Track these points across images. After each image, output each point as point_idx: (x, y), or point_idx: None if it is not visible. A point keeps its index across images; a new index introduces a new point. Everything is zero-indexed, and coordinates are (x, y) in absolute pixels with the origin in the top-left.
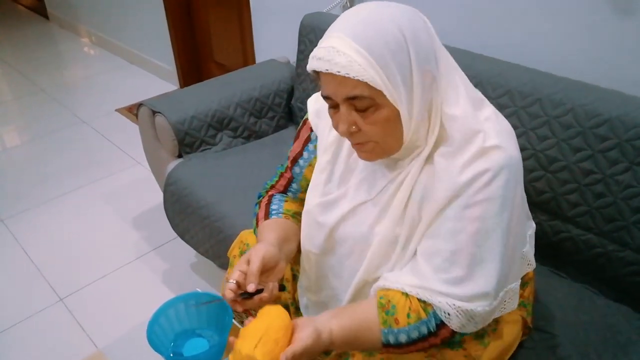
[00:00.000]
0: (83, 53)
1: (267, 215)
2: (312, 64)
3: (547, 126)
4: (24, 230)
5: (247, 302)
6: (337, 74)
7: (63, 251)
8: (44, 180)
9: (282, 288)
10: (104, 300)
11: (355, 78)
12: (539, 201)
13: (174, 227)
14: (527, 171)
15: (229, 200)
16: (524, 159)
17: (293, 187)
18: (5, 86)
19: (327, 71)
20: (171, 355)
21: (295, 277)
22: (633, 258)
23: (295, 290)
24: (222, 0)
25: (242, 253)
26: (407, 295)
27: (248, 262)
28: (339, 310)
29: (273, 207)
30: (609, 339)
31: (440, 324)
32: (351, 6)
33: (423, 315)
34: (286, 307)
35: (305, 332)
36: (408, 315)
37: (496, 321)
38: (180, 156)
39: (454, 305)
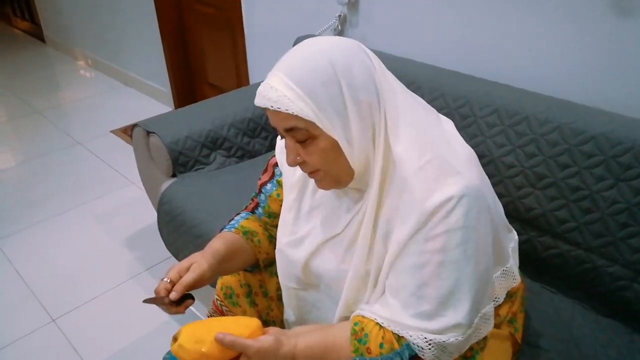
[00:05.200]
0: (79, 75)
1: (223, 228)
2: (255, 100)
3: (534, 144)
4: (18, 251)
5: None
6: (271, 108)
7: (56, 272)
8: (38, 201)
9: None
10: (97, 321)
11: (286, 112)
12: (529, 217)
13: (168, 246)
14: (516, 188)
15: (223, 219)
16: (512, 176)
17: (258, 210)
18: (0, 108)
19: (264, 106)
20: None
21: (280, 297)
22: (622, 273)
23: (281, 311)
24: (216, 23)
25: (225, 295)
26: (380, 325)
27: (187, 268)
28: (310, 329)
29: (232, 222)
30: (600, 354)
31: (414, 356)
32: (342, 29)
33: (396, 346)
34: (271, 323)
35: (265, 337)
36: (381, 346)
37: (484, 339)
38: (174, 176)
39: (426, 338)
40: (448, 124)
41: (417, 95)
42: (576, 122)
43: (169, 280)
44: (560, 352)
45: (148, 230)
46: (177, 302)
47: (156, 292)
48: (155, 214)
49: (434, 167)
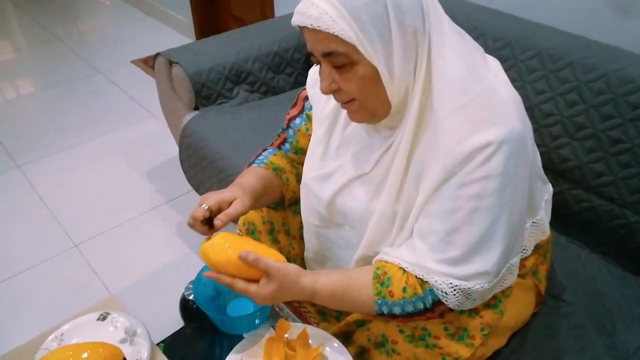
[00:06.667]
0: (100, 3)
1: (251, 163)
2: (293, 19)
3: (577, 92)
4: (40, 177)
5: (204, 228)
6: (310, 27)
7: (78, 199)
8: (59, 129)
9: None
10: (118, 248)
11: (326, 31)
12: (562, 169)
13: (189, 179)
14: (552, 137)
15: (244, 155)
16: (550, 125)
17: (285, 146)
18: (20, 34)
19: (302, 24)
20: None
21: (302, 236)
22: None
23: (302, 250)
24: None
25: (247, 230)
26: (404, 270)
27: (228, 202)
28: (332, 270)
29: (260, 157)
30: (625, 309)
31: (437, 301)
32: None
33: (419, 291)
34: (291, 261)
35: (288, 264)
36: (404, 290)
37: (509, 287)
38: (196, 108)
39: (451, 284)
40: (494, 63)
41: (462, 30)
42: (624, 70)
43: (207, 208)
44: (583, 306)
45: (169, 164)
46: (209, 224)
47: (194, 216)
48: (176, 147)
49: (476, 107)
